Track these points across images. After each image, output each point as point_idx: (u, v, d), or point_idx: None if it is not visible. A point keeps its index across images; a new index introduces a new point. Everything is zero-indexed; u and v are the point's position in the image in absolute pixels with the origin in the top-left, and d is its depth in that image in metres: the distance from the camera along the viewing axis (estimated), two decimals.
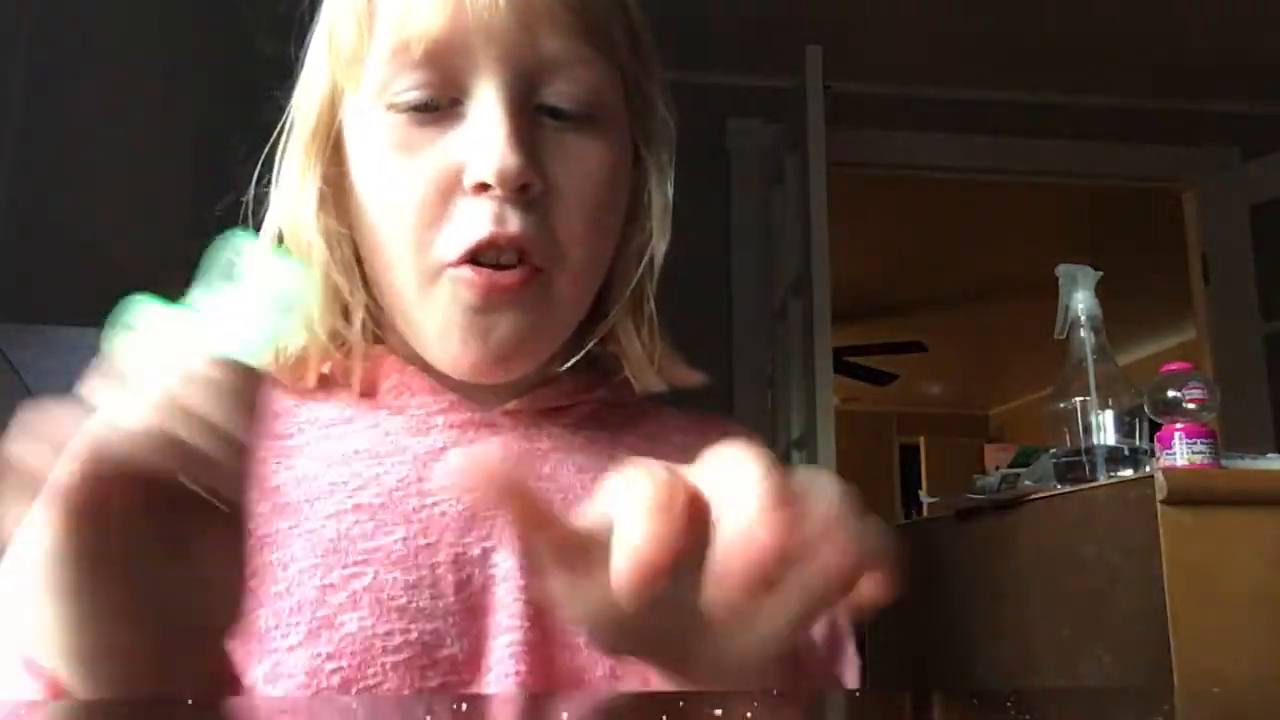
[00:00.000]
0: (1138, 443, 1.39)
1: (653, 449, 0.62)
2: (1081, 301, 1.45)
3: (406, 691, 0.50)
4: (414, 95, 0.54)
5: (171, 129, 2.07)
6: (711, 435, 0.66)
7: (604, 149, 0.57)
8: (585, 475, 0.60)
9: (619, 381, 0.64)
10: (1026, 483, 1.57)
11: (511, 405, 0.60)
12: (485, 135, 0.53)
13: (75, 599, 0.35)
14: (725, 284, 2.77)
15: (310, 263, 0.57)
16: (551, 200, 0.55)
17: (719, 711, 0.31)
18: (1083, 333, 1.44)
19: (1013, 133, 3.01)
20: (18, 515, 0.35)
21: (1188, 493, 1.21)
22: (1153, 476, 1.23)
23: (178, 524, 0.37)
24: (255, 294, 0.38)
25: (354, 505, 0.54)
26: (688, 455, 0.64)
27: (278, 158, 0.61)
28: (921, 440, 7.11)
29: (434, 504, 0.55)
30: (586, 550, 0.35)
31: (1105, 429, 1.40)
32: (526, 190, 0.53)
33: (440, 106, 0.54)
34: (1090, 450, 1.40)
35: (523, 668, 0.52)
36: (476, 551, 0.54)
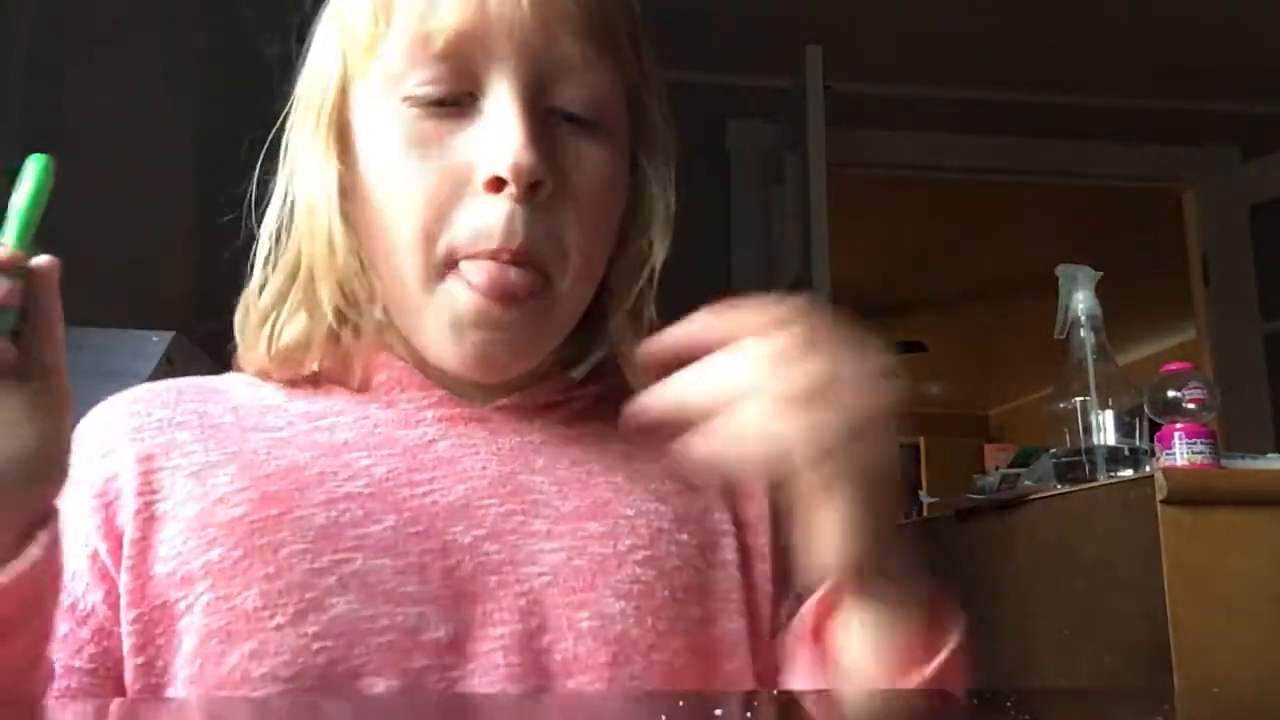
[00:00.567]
0: (1138, 443, 1.39)
1: (644, 445, 0.62)
2: (1081, 301, 1.45)
3: (390, 672, 0.51)
4: (429, 90, 0.54)
5: (172, 129, 2.07)
6: None
7: (607, 154, 0.57)
8: (580, 469, 0.60)
9: (611, 377, 0.64)
10: (1026, 483, 1.57)
11: (503, 401, 0.60)
12: (502, 131, 0.53)
13: None
14: (725, 284, 2.77)
15: (327, 248, 0.57)
16: (558, 202, 0.55)
17: (719, 711, 0.31)
18: (1083, 333, 1.44)
19: (1013, 133, 3.01)
20: None
21: (1188, 493, 1.21)
22: (1153, 476, 1.23)
23: None
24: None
25: (344, 494, 0.54)
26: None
27: (283, 145, 0.61)
28: (921, 440, 7.10)
29: (424, 494, 0.56)
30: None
31: (1105, 429, 1.40)
32: (537, 190, 0.53)
33: (454, 102, 0.55)
34: (1090, 450, 1.40)
35: (513, 659, 0.53)
36: (466, 540, 0.55)
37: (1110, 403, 1.41)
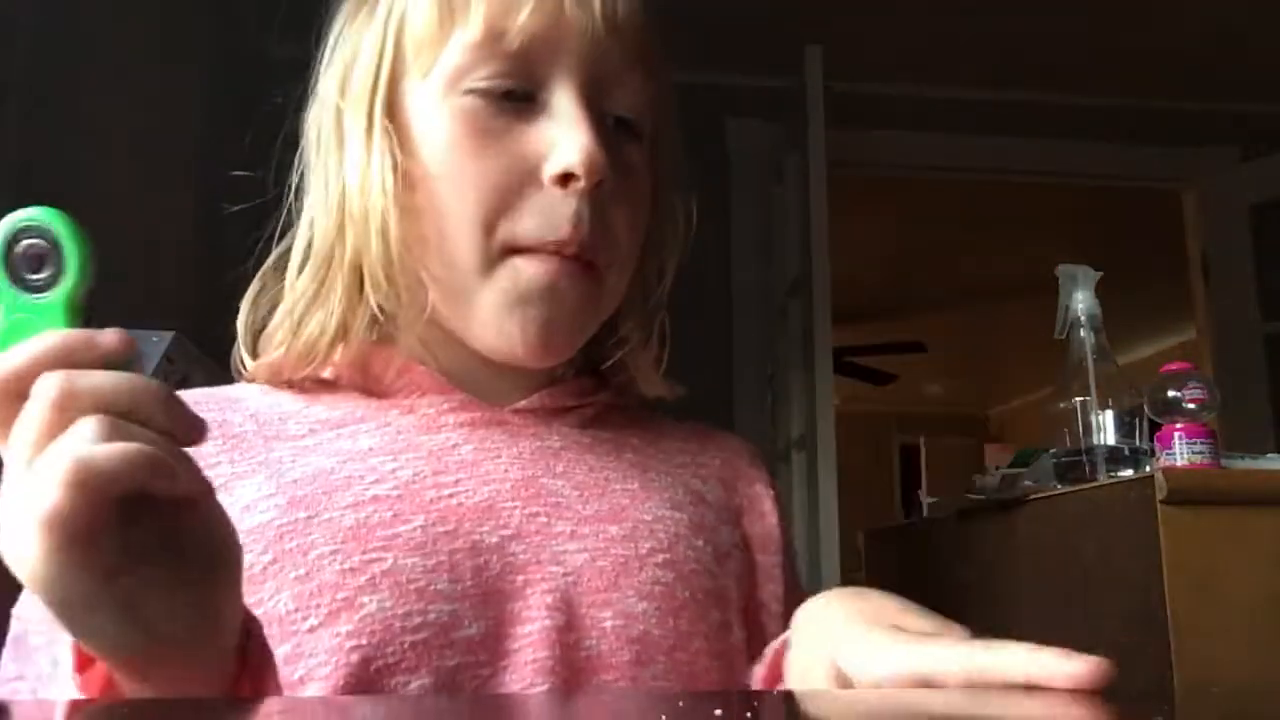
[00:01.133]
0: (1138, 443, 1.39)
1: (656, 451, 0.65)
2: (1081, 301, 1.45)
3: (424, 670, 0.51)
4: (498, 83, 0.56)
5: (173, 129, 2.07)
6: (710, 449, 0.67)
7: (645, 160, 0.61)
8: (598, 474, 0.61)
9: (621, 385, 0.66)
10: (1026, 483, 1.57)
11: (521, 404, 0.62)
12: (573, 129, 0.55)
13: (81, 614, 0.35)
14: (725, 284, 2.77)
15: (380, 237, 0.57)
16: (611, 200, 0.57)
17: (719, 711, 0.31)
18: (1083, 333, 1.44)
19: (1013, 133, 3.00)
20: None
21: (1188, 493, 1.21)
22: (1153, 476, 1.23)
23: (153, 525, 0.37)
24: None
25: (371, 496, 0.55)
26: (688, 458, 0.65)
27: (313, 143, 0.61)
28: (921, 440, 7.10)
29: (450, 495, 0.56)
30: None
31: (1105, 429, 1.40)
32: (601, 186, 0.56)
33: (520, 97, 0.57)
34: (1090, 450, 1.40)
35: (543, 655, 0.53)
36: (494, 540, 0.56)
37: (1110, 403, 1.41)
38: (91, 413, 0.34)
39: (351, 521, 0.54)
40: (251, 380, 0.62)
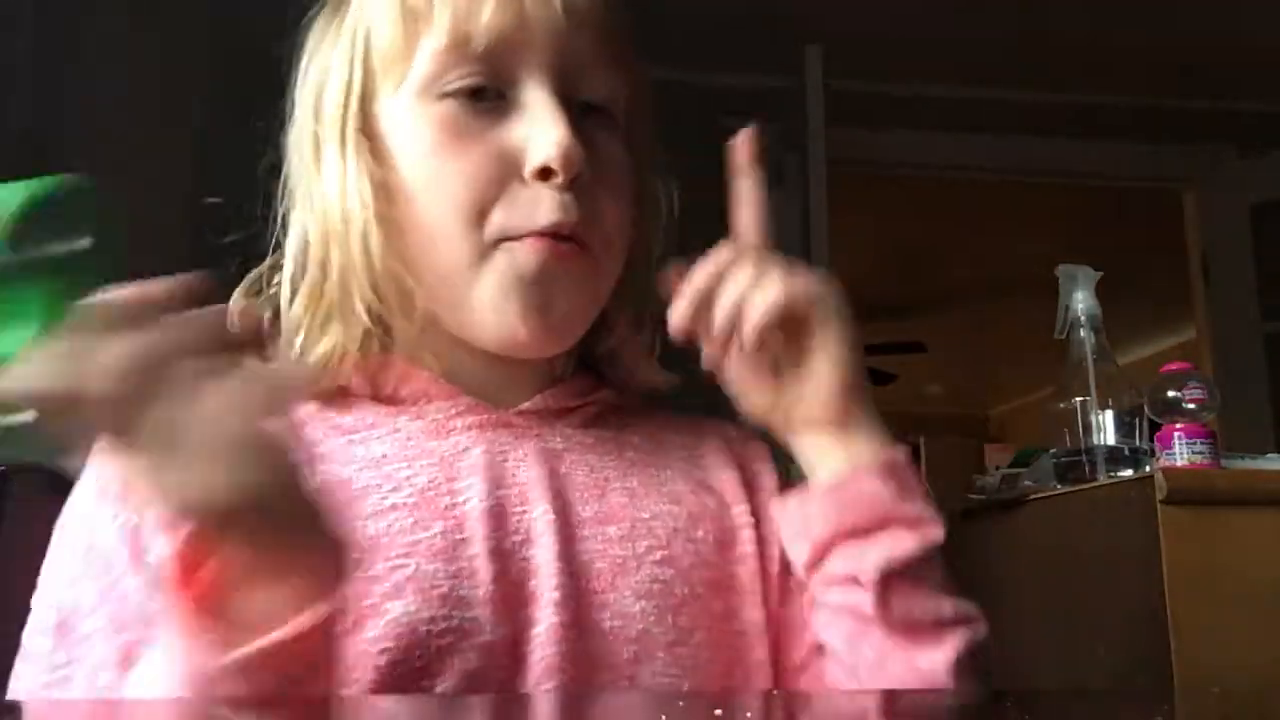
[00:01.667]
0: (1138, 443, 1.39)
1: (656, 449, 0.65)
2: (1081, 301, 1.45)
3: (449, 674, 0.52)
4: (469, 83, 0.57)
5: (172, 131, 2.07)
6: (709, 437, 0.67)
7: (621, 143, 0.62)
8: (597, 475, 0.61)
9: (621, 383, 0.66)
10: (1026, 483, 1.57)
11: (525, 405, 0.62)
12: (546, 125, 0.57)
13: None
14: None
15: (363, 254, 0.58)
16: (593, 186, 0.58)
17: (719, 711, 0.31)
18: (1083, 333, 1.44)
19: (1013, 133, 3.00)
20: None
21: (1188, 493, 1.21)
22: (1153, 476, 1.23)
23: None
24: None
25: (390, 505, 0.56)
26: (688, 449, 0.65)
27: (292, 162, 0.62)
28: (921, 440, 7.10)
29: (464, 501, 0.57)
30: None
31: (1105, 429, 1.40)
32: (580, 177, 0.57)
33: (491, 95, 0.58)
34: (1090, 450, 1.40)
35: (551, 652, 0.54)
36: (509, 545, 0.56)
37: (1110, 403, 1.41)
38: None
39: (373, 530, 0.54)
40: None
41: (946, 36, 2.72)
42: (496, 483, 0.58)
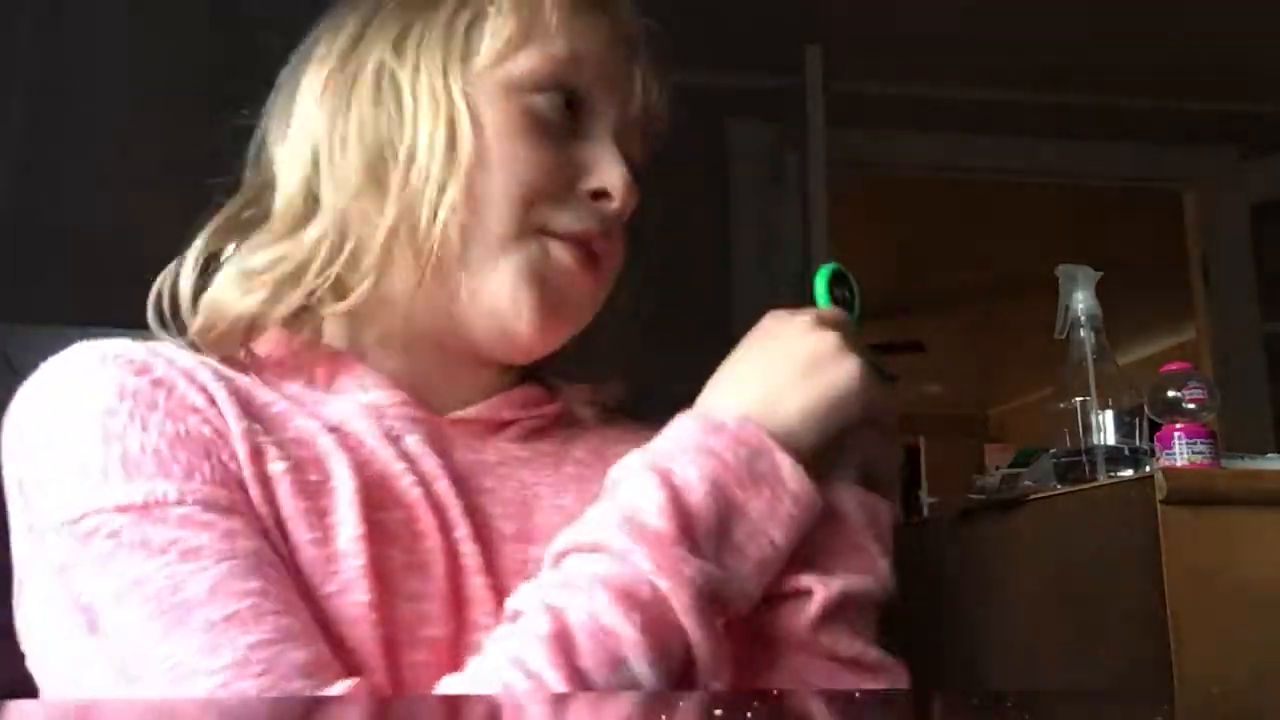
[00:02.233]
0: (1138, 443, 1.39)
1: (598, 462, 0.63)
2: (1081, 301, 1.45)
3: (390, 668, 0.51)
4: (557, 97, 0.61)
5: (175, 128, 2.07)
6: None
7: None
8: (527, 491, 0.61)
9: (574, 397, 0.67)
10: (1026, 483, 1.56)
11: (459, 414, 0.61)
12: (615, 158, 0.62)
13: None
14: (725, 284, 2.77)
15: (424, 209, 0.57)
16: (616, 231, 0.64)
17: (719, 711, 0.31)
18: (1083, 333, 1.44)
19: (1013, 133, 3.00)
20: None
21: (1188, 493, 1.21)
22: (1153, 476, 1.23)
23: None
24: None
25: (354, 488, 0.54)
26: None
27: (334, 112, 0.60)
28: (921, 440, 7.10)
29: (409, 486, 0.56)
30: None
31: (1105, 429, 1.40)
32: (624, 214, 0.62)
33: (572, 112, 0.62)
34: (1090, 450, 1.40)
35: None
36: (450, 540, 0.55)
37: (1110, 403, 1.40)
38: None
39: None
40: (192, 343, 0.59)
41: (947, 37, 2.72)
42: (430, 476, 0.57)
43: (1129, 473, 1.35)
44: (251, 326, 0.58)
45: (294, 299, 0.58)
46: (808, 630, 0.54)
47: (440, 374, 0.62)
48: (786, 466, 0.52)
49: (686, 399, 0.65)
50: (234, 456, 0.52)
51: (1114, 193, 3.63)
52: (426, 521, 0.55)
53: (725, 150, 2.87)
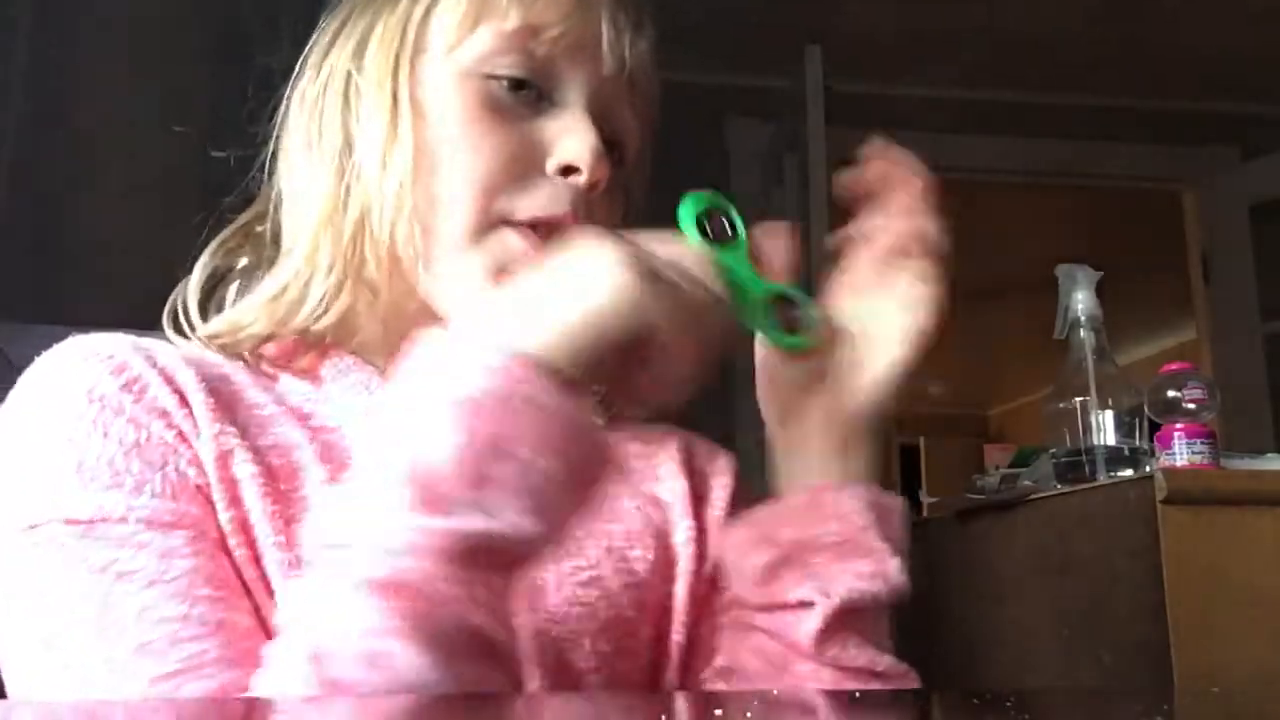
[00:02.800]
0: (1138, 443, 1.39)
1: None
2: (1081, 301, 1.45)
3: None
4: (517, 72, 0.58)
5: (174, 127, 2.07)
6: (670, 447, 0.66)
7: (619, 184, 0.63)
8: None
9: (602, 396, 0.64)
10: (1026, 483, 1.57)
11: None
12: (581, 129, 0.58)
13: None
14: None
15: (388, 212, 0.57)
16: (594, 207, 0.59)
17: (719, 711, 0.31)
18: (1083, 333, 1.44)
19: (1013, 133, 3.00)
20: None
21: (1188, 493, 1.21)
22: (1153, 476, 1.23)
23: None
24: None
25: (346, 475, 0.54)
26: (644, 461, 0.64)
27: (314, 116, 0.61)
28: (921, 440, 7.10)
29: None
30: None
31: (1105, 429, 1.40)
32: (597, 187, 0.58)
33: (531, 90, 0.59)
34: (1090, 450, 1.40)
35: None
36: None
37: (1110, 403, 1.41)
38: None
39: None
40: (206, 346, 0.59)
41: (947, 37, 2.72)
42: None
43: (1129, 473, 1.35)
44: (262, 340, 0.59)
45: (303, 314, 0.58)
46: (812, 643, 0.53)
47: None
48: (540, 386, 0.45)
49: (684, 400, 0.65)
50: (195, 461, 0.52)
51: (1114, 193, 3.63)
52: None
53: (725, 150, 2.87)
